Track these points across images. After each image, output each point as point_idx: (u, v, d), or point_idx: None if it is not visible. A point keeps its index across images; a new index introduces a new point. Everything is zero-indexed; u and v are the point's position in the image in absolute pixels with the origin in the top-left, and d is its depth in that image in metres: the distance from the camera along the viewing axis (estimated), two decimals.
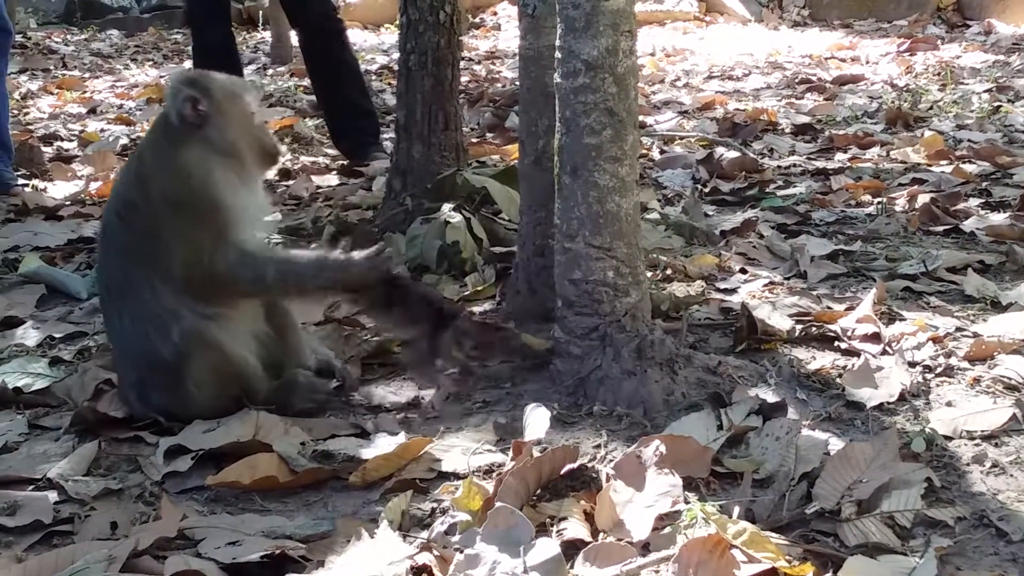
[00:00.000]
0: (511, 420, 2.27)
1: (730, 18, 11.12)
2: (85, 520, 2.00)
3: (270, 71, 8.67)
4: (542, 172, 2.65)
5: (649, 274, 2.76)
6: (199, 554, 1.83)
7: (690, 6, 11.29)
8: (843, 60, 8.26)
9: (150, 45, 10.87)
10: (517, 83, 3.28)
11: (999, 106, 5.83)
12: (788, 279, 3.16)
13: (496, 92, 6.97)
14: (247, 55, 9.48)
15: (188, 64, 5.46)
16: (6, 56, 4.94)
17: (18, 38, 8.76)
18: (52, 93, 7.96)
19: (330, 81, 5.06)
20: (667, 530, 1.77)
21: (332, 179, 4.88)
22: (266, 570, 1.78)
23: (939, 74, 7.11)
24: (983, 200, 3.97)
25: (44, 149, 5.63)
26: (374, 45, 10.21)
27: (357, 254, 2.44)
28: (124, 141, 5.85)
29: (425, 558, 1.73)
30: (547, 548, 1.64)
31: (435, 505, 1.98)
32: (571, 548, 1.74)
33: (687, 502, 1.83)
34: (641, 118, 3.10)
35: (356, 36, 10.41)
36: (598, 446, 2.13)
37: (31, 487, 2.13)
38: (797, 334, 2.67)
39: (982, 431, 2.14)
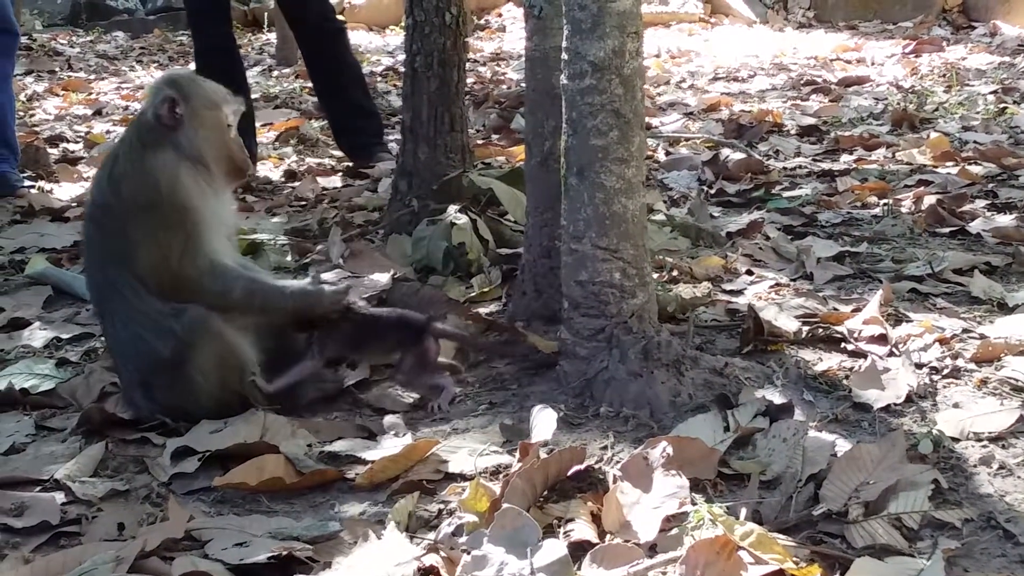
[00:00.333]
0: (518, 421, 2.27)
1: (735, 20, 11.10)
2: (92, 521, 2.01)
3: (275, 72, 8.67)
4: (548, 173, 2.65)
5: (655, 276, 2.76)
6: (206, 555, 1.84)
7: (695, 8, 11.26)
8: (848, 62, 8.23)
9: (155, 47, 10.87)
10: (523, 85, 3.28)
11: (1005, 107, 5.81)
12: (794, 280, 3.15)
13: (502, 94, 6.97)
14: (252, 57, 9.49)
15: (192, 66, 5.45)
16: (12, 58, 4.95)
17: (24, 40, 8.75)
18: (58, 95, 7.97)
19: (331, 82, 5.05)
20: (674, 531, 1.77)
21: (337, 180, 4.89)
22: (273, 571, 1.79)
23: (944, 75, 7.09)
24: (989, 202, 3.95)
25: (50, 151, 5.63)
26: (379, 47, 10.20)
27: (326, 287, 2.49)
28: None
29: (432, 559, 1.73)
30: (554, 549, 1.65)
31: (442, 506, 1.98)
32: (578, 549, 1.74)
33: (694, 503, 1.82)
34: (647, 120, 3.09)
35: (361, 38, 10.41)
36: (605, 447, 2.13)
37: (38, 488, 2.13)
38: (804, 335, 2.67)
39: (989, 433, 2.13)
